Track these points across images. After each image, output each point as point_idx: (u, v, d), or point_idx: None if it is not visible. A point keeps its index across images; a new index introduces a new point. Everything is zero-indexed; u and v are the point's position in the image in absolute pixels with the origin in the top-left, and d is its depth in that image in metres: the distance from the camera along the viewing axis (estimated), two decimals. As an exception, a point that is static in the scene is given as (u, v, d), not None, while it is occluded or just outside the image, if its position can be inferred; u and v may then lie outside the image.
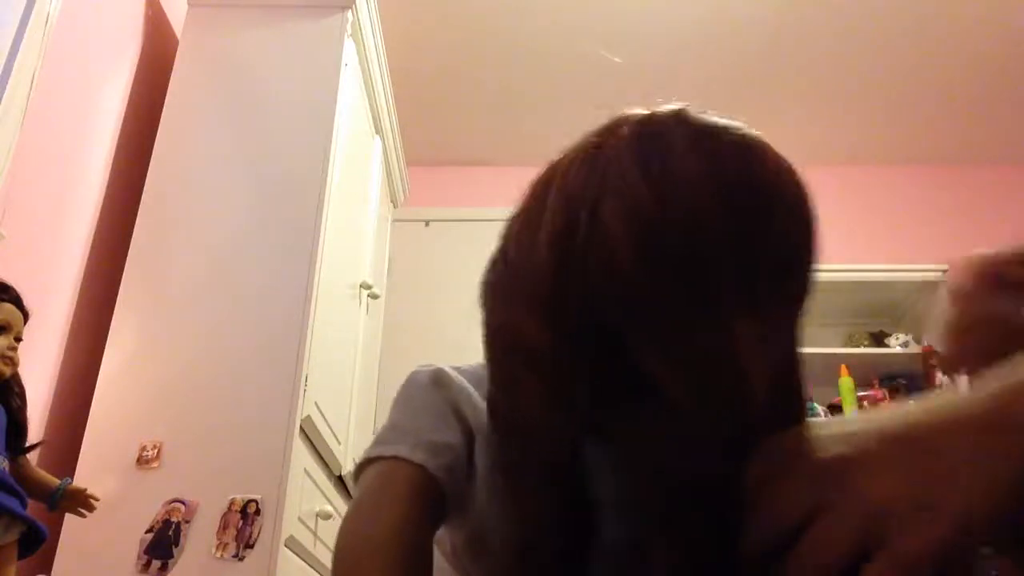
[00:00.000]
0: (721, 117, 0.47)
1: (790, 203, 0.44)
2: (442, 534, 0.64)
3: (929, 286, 2.99)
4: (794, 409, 0.43)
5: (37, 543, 1.13)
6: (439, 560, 0.63)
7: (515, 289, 0.46)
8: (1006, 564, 0.38)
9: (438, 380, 0.64)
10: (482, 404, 0.63)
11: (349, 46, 2.02)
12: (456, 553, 0.63)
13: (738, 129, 0.46)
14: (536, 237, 0.45)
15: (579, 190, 0.45)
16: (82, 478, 1.45)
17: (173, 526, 1.45)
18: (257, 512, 1.46)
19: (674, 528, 0.37)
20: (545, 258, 0.44)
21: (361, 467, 0.60)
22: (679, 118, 0.46)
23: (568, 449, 0.40)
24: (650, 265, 0.40)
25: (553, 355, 0.42)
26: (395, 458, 0.57)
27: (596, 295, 0.41)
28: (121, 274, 1.70)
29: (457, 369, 0.65)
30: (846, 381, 2.89)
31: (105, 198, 1.80)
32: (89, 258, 1.74)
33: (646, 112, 0.48)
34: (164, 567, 1.42)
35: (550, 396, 0.41)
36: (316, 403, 1.67)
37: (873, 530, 0.33)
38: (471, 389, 0.63)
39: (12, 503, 1.09)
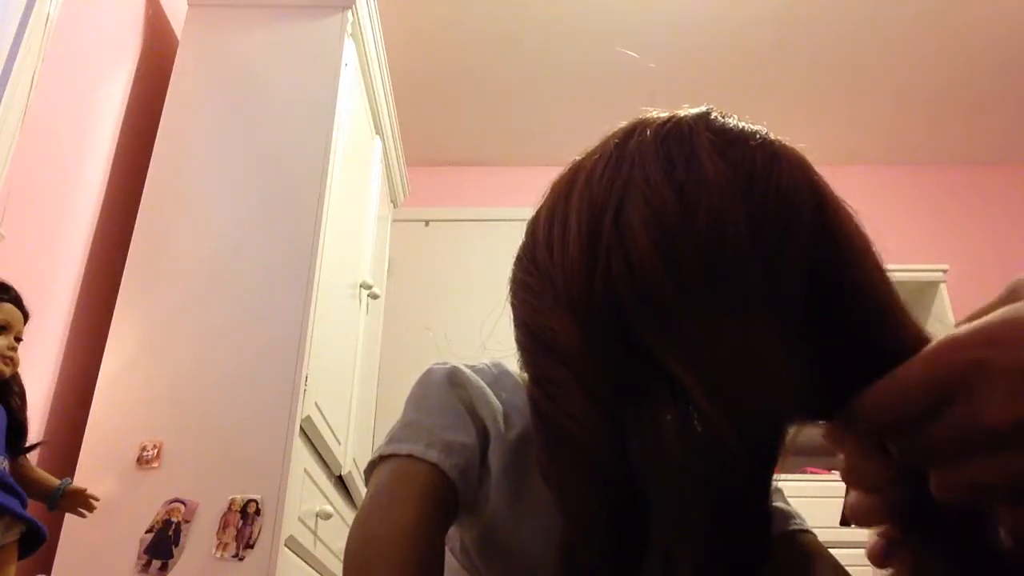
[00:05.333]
0: (745, 122, 0.47)
1: (817, 210, 0.44)
2: (452, 532, 0.64)
3: (929, 286, 3.00)
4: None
5: (37, 543, 1.13)
6: (448, 558, 0.63)
7: (545, 289, 0.46)
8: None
9: (454, 379, 0.64)
10: (497, 403, 0.63)
11: (349, 46, 2.02)
12: (466, 551, 0.63)
13: (764, 135, 0.46)
14: (564, 239, 0.46)
15: (603, 192, 0.45)
16: (82, 478, 1.45)
17: (173, 526, 1.45)
18: (257, 512, 1.46)
19: (696, 529, 0.37)
20: (574, 259, 0.44)
21: (374, 464, 0.60)
22: (704, 122, 0.46)
23: (610, 446, 0.40)
24: (673, 269, 0.40)
25: (584, 356, 0.42)
26: (409, 456, 0.57)
27: (621, 298, 0.41)
28: (121, 274, 1.70)
29: (472, 368, 0.65)
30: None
31: (105, 198, 1.80)
32: (89, 258, 1.74)
33: (669, 115, 0.48)
34: (164, 567, 1.42)
35: (585, 394, 0.41)
36: (316, 403, 1.67)
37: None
38: (486, 388, 0.63)
39: (12, 503, 1.09)
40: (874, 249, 0.45)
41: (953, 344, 0.34)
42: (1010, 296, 0.34)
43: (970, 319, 0.34)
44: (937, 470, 0.34)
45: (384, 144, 2.57)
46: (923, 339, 0.40)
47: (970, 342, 0.33)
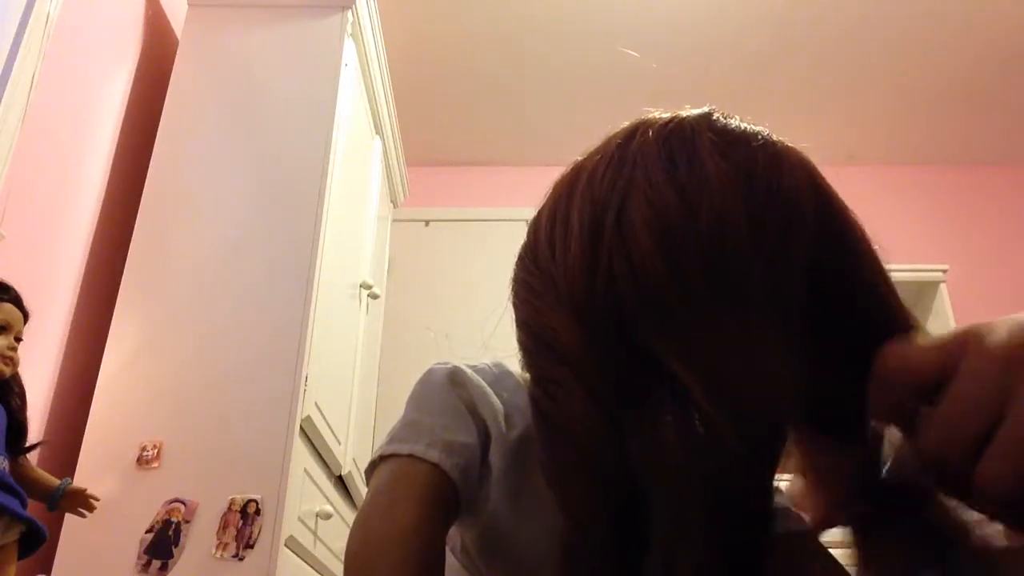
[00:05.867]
0: (747, 123, 0.47)
1: (818, 211, 0.44)
2: (452, 532, 0.64)
3: (929, 286, 3.00)
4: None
5: (37, 543, 1.13)
6: (448, 557, 0.63)
7: (547, 289, 0.46)
8: None
9: (455, 379, 0.64)
10: (498, 403, 0.62)
11: (349, 46, 2.02)
12: (466, 551, 0.63)
13: (766, 135, 0.46)
14: (565, 238, 0.46)
15: (605, 193, 0.45)
16: (82, 478, 1.45)
17: (173, 526, 1.45)
18: (257, 512, 1.46)
19: (696, 529, 0.37)
20: (575, 259, 0.44)
21: (374, 464, 0.60)
22: (706, 122, 0.46)
23: (611, 446, 0.40)
24: (675, 270, 0.40)
25: (586, 356, 0.42)
26: (410, 456, 0.57)
27: (623, 298, 0.41)
28: (121, 274, 1.70)
29: (473, 368, 0.65)
30: (846, 381, 2.89)
31: (105, 198, 1.80)
32: (89, 258, 1.74)
33: (671, 115, 0.48)
34: (164, 567, 1.42)
35: (586, 394, 0.41)
36: (316, 403, 1.67)
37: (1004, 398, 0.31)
38: (487, 388, 0.63)
39: (12, 503, 1.09)
40: (875, 251, 0.45)
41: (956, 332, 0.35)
42: None
43: None
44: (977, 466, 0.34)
45: (384, 144, 2.57)
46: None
47: (965, 327, 0.35)
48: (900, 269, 3.16)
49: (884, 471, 0.39)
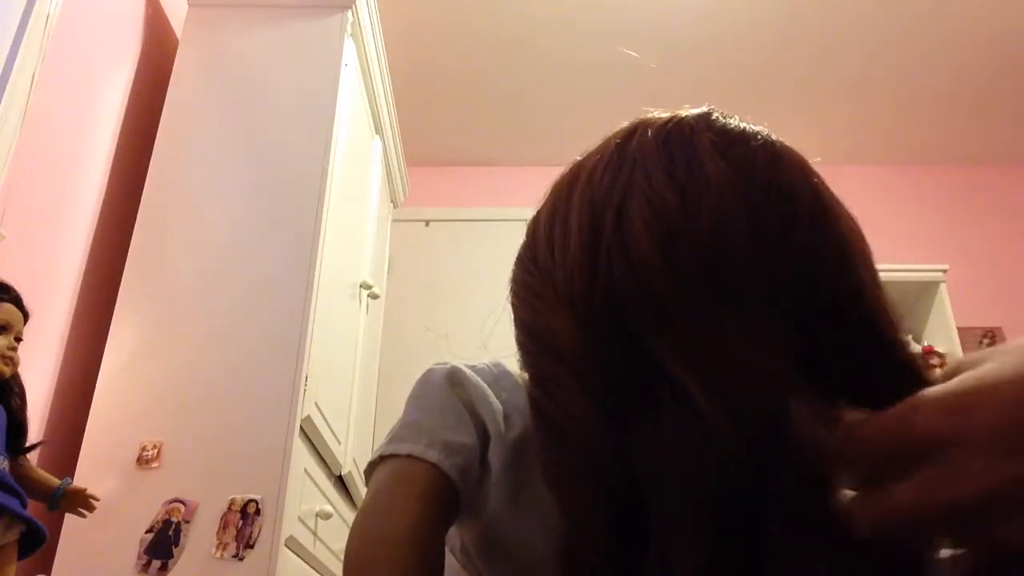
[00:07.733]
0: (746, 122, 0.47)
1: (816, 210, 0.44)
2: (452, 533, 0.64)
3: (929, 286, 3.00)
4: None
5: (37, 543, 1.13)
6: (448, 558, 0.63)
7: (546, 288, 0.46)
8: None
9: (454, 379, 0.63)
10: (497, 403, 0.62)
11: (349, 46, 2.02)
12: (466, 552, 0.63)
13: (764, 135, 0.46)
14: (565, 238, 0.46)
15: (604, 192, 0.45)
16: (82, 478, 1.45)
17: (173, 526, 1.45)
18: (257, 512, 1.46)
19: (696, 529, 0.37)
20: (575, 259, 0.44)
21: (374, 464, 0.60)
22: (705, 122, 0.47)
23: (609, 446, 0.40)
24: (674, 270, 0.40)
25: (585, 356, 0.42)
26: (409, 456, 0.57)
27: (622, 298, 0.41)
28: (121, 274, 1.70)
29: (472, 367, 0.65)
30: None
31: (105, 198, 1.80)
32: (89, 258, 1.74)
33: (670, 115, 0.48)
34: (164, 567, 1.42)
35: (585, 393, 0.41)
36: (316, 403, 1.67)
37: None
38: (486, 388, 0.63)
39: (12, 503, 1.09)
40: (865, 254, 0.45)
41: (928, 407, 0.32)
42: (957, 371, 0.33)
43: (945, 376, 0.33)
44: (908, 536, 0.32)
45: (384, 144, 2.57)
46: (901, 352, 0.41)
47: (945, 407, 0.31)
48: (900, 269, 3.16)
49: None
